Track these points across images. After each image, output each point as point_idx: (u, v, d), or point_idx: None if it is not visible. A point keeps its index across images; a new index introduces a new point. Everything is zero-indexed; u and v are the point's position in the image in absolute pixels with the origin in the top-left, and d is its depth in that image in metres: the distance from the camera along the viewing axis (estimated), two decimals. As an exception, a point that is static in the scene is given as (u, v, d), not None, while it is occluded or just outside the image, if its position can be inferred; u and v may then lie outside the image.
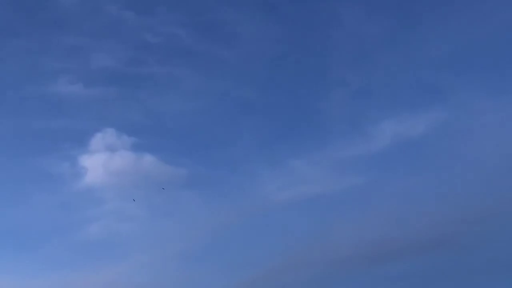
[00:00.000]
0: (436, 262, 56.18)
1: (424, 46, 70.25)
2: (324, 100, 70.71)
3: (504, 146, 60.06)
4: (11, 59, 72.11)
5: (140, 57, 73.78)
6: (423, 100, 69.06)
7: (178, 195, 68.99)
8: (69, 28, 72.84)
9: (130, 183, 69.83)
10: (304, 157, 67.83)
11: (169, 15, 74.63)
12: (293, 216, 63.51)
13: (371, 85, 71.42)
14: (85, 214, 66.80)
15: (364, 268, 58.10)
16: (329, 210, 63.37)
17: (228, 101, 72.94)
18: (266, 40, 73.25)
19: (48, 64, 72.16)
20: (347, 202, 63.46)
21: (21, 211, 66.80)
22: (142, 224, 66.38)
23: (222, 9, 74.69)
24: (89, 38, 73.24)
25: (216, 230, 63.93)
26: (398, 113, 68.53)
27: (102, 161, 69.22)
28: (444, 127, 65.71)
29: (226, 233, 63.90)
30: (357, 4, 73.12)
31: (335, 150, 67.22)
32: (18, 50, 72.09)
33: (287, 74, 73.15)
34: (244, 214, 64.60)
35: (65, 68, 72.26)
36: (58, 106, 71.72)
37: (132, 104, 73.04)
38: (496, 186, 58.48)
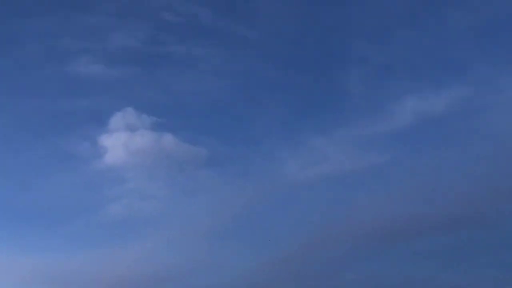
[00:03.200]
0: (460, 239, 56.29)
1: (446, 20, 69.39)
2: (345, 77, 70.04)
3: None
4: (31, 40, 71.60)
5: (159, 36, 73.12)
6: (445, 76, 68.38)
7: (198, 174, 69.03)
8: (88, 7, 72.14)
9: (150, 162, 69.79)
10: (325, 135, 67.49)
11: (187, -6, 73.82)
12: (315, 195, 63.55)
13: (391, 62, 70.63)
14: (106, 193, 66.76)
15: (388, 245, 58.39)
16: (351, 189, 63.48)
17: (248, 80, 72.35)
18: (286, 18, 72.42)
19: (68, 44, 71.53)
20: (369, 180, 63.35)
21: (42, 191, 66.48)
22: (164, 203, 66.46)
23: (241, -13, 73.88)
24: (108, 18, 72.47)
25: (238, 209, 63.96)
26: (419, 89, 67.94)
27: (122, 141, 68.84)
28: (467, 103, 64.99)
29: (247, 212, 63.91)
30: (377, -20, 71.82)
31: (357, 128, 66.83)
32: (37, 30, 71.37)
33: (307, 52, 72.44)
34: (266, 193, 64.52)
35: (85, 48, 71.66)
36: (78, 86, 71.15)
37: (152, 84, 72.62)
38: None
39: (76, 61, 71.04)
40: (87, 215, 65.11)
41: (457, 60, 68.12)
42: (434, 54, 69.38)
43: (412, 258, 56.50)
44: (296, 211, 62.82)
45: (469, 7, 68.14)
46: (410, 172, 62.75)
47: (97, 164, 68.16)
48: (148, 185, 68.06)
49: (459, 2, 69.14)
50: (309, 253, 59.10)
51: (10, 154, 68.35)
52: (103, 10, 72.50)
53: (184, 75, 72.72)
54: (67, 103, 70.72)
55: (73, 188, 67.44)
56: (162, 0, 73.25)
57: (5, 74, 70.32)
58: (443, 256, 55.56)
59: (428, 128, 65.63)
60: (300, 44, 72.65)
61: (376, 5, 71.37)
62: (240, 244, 61.40)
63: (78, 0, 72.24)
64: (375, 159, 64.30)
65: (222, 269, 58.94)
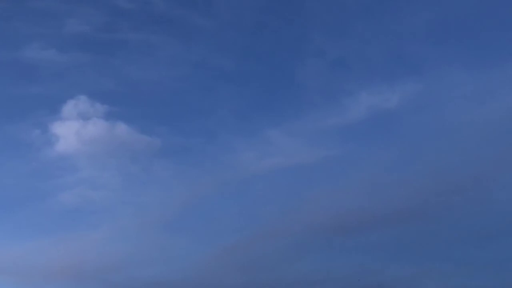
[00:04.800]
0: (410, 232, 57.26)
1: (401, 16, 70.28)
2: (301, 70, 70.44)
3: (480, 119, 61.01)
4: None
5: (114, 23, 72.07)
6: (399, 71, 69.23)
7: (152, 164, 68.66)
8: (41, -8, 70.69)
9: (103, 151, 68.99)
10: (281, 127, 67.82)
11: (143, -20, 72.93)
12: (269, 186, 63.95)
13: (347, 56, 71.25)
14: (57, 182, 66.03)
15: (340, 237, 58.89)
16: (305, 181, 64.01)
17: (205, 70, 72.01)
18: (243, 8, 72.27)
19: (20, 28, 70.16)
20: (323, 172, 63.92)
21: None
22: (116, 193, 65.94)
23: (199, -25, 73.40)
24: (62, 3, 71.14)
25: (192, 200, 64.00)
26: (374, 84, 68.85)
27: (75, 129, 67.92)
28: (419, 99, 66.15)
29: (202, 202, 64.14)
30: (335, -26, 72.24)
31: (312, 121, 67.38)
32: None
33: (264, 44, 72.56)
34: (220, 184, 64.65)
35: (38, 33, 70.28)
36: (30, 72, 69.99)
37: (106, 71, 71.69)
38: (469, 158, 59.61)
39: (28, 46, 69.90)
40: (37, 204, 64.57)
41: (411, 56, 69.44)
42: (388, 49, 70.53)
43: (361, 250, 57.23)
44: (249, 202, 63.36)
45: (423, 5, 69.52)
46: (362, 166, 63.69)
47: (49, 152, 67.35)
48: (100, 175, 67.67)
49: (414, -1, 70.40)
50: (260, 244, 59.51)
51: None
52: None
53: (139, 63, 72.14)
54: (18, 89, 69.79)
55: (22, 176, 66.52)
56: (116, -14, 72.25)
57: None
58: (391, 249, 56.71)
59: (381, 122, 66.75)
60: (257, 36, 72.79)
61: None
62: (192, 234, 61.57)
63: (31, -16, 70.66)
64: (329, 152, 64.93)
65: (173, 259, 59.20)
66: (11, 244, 60.20)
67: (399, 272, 53.95)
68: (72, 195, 64.67)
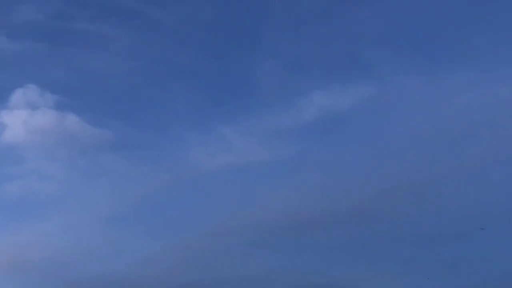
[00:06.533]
0: (359, 233, 57.95)
1: (357, 20, 71.20)
2: (256, 69, 70.65)
3: (431, 124, 62.46)
4: None
5: (69, 11, 70.95)
6: (353, 74, 70.11)
7: (103, 157, 67.93)
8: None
9: (52, 142, 67.83)
10: (235, 125, 67.90)
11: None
12: (221, 184, 63.88)
13: (302, 57, 71.93)
14: (3, 172, 64.52)
15: (289, 236, 59.40)
16: (257, 179, 64.21)
17: (160, 64, 71.57)
18: (200, 4, 72.10)
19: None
20: (275, 172, 64.18)
21: None
22: (64, 186, 64.91)
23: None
24: (13, -12, 69.43)
25: (143, 195, 63.17)
26: (327, 85, 69.32)
27: (22, 118, 66.69)
28: (372, 102, 66.98)
29: (153, 198, 63.29)
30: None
31: (265, 120, 67.65)
32: None
33: (220, 41, 72.50)
34: (172, 180, 64.14)
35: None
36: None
37: (57, 61, 70.44)
38: (419, 162, 60.84)
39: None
40: (-20, 195, 62.45)
41: (365, 60, 70.30)
42: (343, 52, 71.37)
43: (310, 250, 57.75)
44: (200, 199, 63.18)
45: (379, 10, 70.57)
46: (314, 167, 64.14)
47: (-7, 141, 65.60)
48: (47, 166, 66.49)
49: (371, 3, 71.46)
50: (209, 242, 59.33)
51: None
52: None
53: (93, 54, 71.04)
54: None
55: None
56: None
57: None
58: (340, 249, 57.38)
59: (333, 124, 67.35)
60: (213, 32, 72.71)
61: (291, 1, 72.49)
62: (141, 230, 61.05)
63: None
64: (281, 151, 65.41)
65: (121, 254, 58.49)
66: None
67: (347, 273, 54.78)
68: (19, 186, 63.46)
